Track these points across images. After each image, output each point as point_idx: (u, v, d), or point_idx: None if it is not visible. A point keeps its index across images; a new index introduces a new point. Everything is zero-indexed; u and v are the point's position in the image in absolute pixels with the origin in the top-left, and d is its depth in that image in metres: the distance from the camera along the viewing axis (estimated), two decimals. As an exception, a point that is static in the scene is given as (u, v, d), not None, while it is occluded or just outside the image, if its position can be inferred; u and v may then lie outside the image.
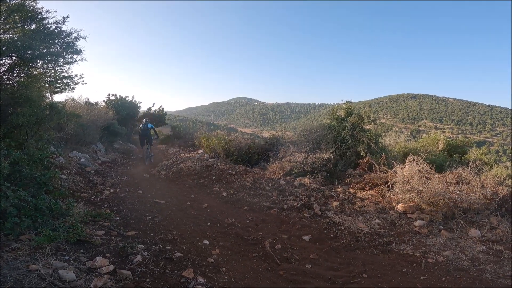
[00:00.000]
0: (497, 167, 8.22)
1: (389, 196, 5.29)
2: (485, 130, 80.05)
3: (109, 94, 17.30)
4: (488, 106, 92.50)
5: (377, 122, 8.91)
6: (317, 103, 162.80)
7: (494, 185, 4.93)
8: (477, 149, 10.67)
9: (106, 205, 4.57)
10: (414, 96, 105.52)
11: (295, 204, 5.23)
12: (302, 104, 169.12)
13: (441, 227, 4.18)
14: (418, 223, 4.29)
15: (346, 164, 7.47)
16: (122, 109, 16.53)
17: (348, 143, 7.69)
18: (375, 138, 7.72)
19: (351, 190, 5.87)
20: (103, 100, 16.73)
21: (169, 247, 3.12)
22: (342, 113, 8.33)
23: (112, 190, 5.60)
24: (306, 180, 6.26)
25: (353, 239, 3.97)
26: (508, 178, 6.55)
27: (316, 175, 6.62)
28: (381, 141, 8.23)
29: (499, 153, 59.72)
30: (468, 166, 5.15)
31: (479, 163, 5.69)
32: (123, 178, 7.11)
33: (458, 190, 4.58)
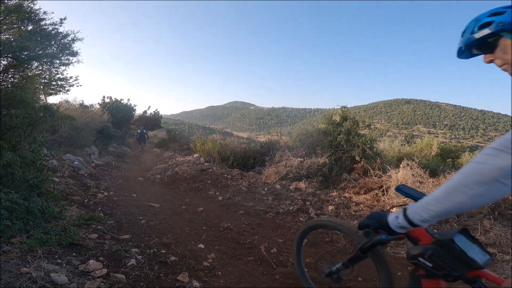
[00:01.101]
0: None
1: (383, 200, 5.33)
2: (478, 135, 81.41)
3: (104, 97, 17.24)
4: (481, 111, 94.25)
5: (372, 127, 9.01)
6: (312, 108, 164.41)
7: (486, 189, 5.00)
8: (469, 154, 10.85)
9: (99, 208, 4.51)
10: (408, 101, 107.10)
11: (290, 208, 5.23)
12: (298, 108, 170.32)
13: (435, 230, 4.22)
14: (412, 227, 4.32)
15: (341, 169, 7.51)
16: (117, 112, 16.45)
17: (343, 147, 7.75)
18: (370, 143, 7.79)
19: (346, 194, 5.90)
20: (98, 103, 16.67)
21: (163, 251, 3.08)
22: (337, 118, 8.41)
23: (106, 194, 5.53)
24: (302, 185, 6.27)
25: (349, 242, 3.97)
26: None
27: (311, 180, 6.64)
28: (376, 146, 8.31)
29: (491, 159, 60.53)
30: (461, 171, 5.22)
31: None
32: (117, 181, 7.03)
33: (452, 194, 4.64)
